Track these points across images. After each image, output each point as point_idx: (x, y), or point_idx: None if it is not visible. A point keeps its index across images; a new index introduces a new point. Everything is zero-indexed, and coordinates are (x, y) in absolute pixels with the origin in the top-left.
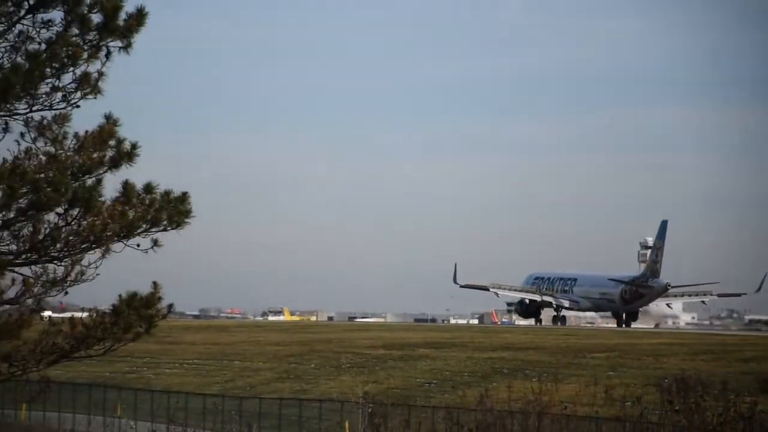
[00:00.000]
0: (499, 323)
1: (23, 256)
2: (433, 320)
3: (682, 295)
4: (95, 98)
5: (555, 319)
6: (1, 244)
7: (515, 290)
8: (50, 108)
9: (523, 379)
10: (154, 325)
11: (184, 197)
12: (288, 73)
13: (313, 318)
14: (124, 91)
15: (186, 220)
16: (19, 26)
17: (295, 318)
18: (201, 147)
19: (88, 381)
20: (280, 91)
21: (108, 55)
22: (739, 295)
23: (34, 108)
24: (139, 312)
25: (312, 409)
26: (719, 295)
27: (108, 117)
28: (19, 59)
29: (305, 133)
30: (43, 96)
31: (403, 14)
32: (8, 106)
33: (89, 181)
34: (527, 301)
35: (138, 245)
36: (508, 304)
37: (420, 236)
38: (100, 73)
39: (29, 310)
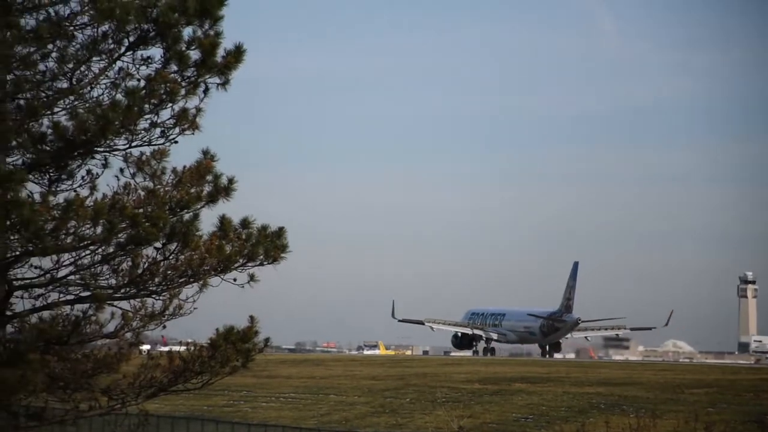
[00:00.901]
0: (596, 358)
1: (122, 291)
2: (529, 354)
3: (599, 329)
4: (193, 134)
5: (485, 350)
6: (101, 278)
7: (449, 324)
8: (149, 144)
9: (620, 414)
10: (251, 359)
11: (280, 232)
12: (386, 102)
13: (408, 352)
14: (219, 125)
15: (282, 254)
16: (119, 63)
17: (390, 352)
18: (290, 181)
19: (186, 414)
20: (374, 121)
21: (206, 91)
22: (650, 329)
23: (133, 144)
24: (236, 346)
25: None
26: (631, 329)
27: (205, 152)
28: (118, 96)
29: (394, 163)
30: (142, 132)
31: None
32: (108, 142)
33: (186, 216)
34: (459, 334)
35: (235, 279)
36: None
37: (523, 274)
38: (198, 109)
39: (128, 343)
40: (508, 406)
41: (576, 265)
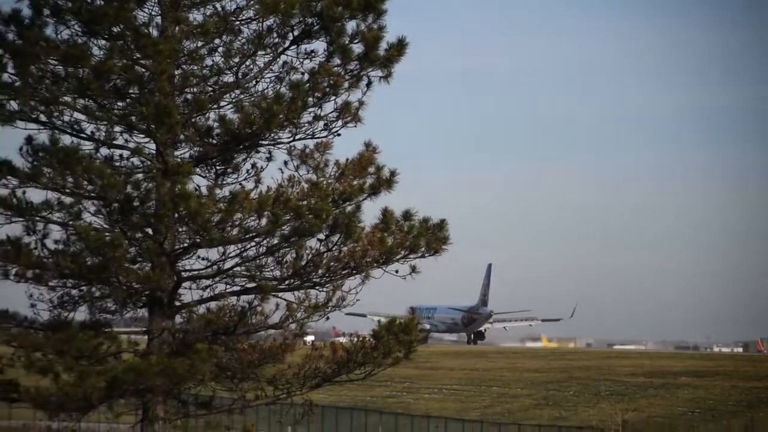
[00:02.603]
0: (765, 351)
1: (286, 282)
2: (696, 348)
3: (512, 320)
4: (355, 126)
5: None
6: (266, 269)
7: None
8: (312, 136)
9: None
10: (413, 350)
11: (442, 224)
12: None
13: (571, 345)
14: (378, 117)
15: (444, 246)
16: (283, 57)
17: (553, 345)
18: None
19: (349, 405)
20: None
21: (369, 84)
22: (557, 320)
23: (296, 137)
24: (398, 337)
25: None
26: (542, 320)
27: (368, 144)
28: (282, 89)
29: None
30: (306, 125)
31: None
32: (272, 135)
33: (349, 208)
34: None
35: (396, 271)
36: None
37: (684, 264)
38: (361, 102)
39: (293, 334)
40: (673, 399)
41: (489, 266)
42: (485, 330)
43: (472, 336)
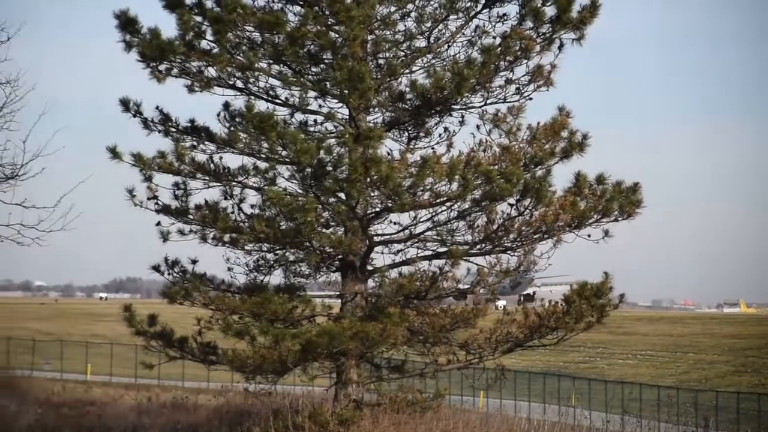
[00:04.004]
0: None
1: (477, 247)
2: None
3: (555, 284)
4: (547, 90)
5: None
6: (457, 234)
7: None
8: (504, 101)
9: None
10: (606, 315)
11: (635, 187)
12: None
13: None
14: (572, 81)
15: (637, 210)
16: (475, 21)
17: (752, 310)
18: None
19: (542, 370)
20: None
21: (561, 47)
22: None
23: (488, 101)
24: (590, 301)
25: None
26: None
27: (561, 109)
28: (474, 53)
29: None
30: (497, 89)
31: None
32: (464, 99)
33: (539, 172)
34: None
35: (589, 235)
36: None
37: None
38: (553, 66)
39: (484, 299)
40: None
41: None
42: (534, 293)
43: (521, 299)
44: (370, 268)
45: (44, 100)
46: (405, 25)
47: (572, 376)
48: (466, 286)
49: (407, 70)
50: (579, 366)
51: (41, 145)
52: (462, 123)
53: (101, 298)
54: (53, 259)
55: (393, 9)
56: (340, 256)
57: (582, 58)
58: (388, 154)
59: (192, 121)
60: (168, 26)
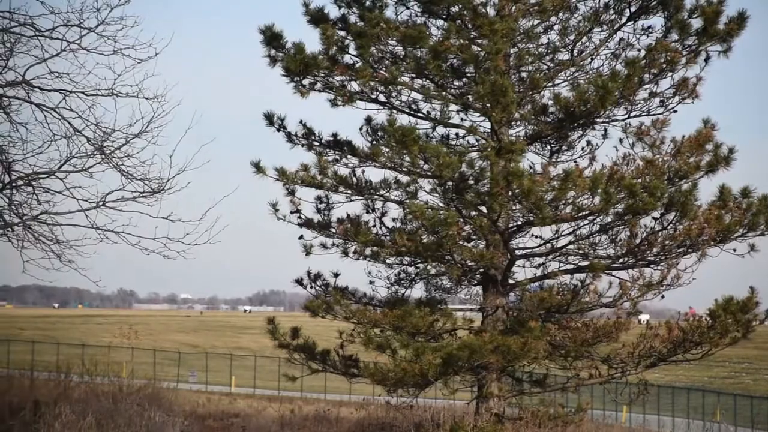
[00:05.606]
0: None
1: (620, 260)
2: None
3: None
4: (692, 102)
5: None
6: (599, 248)
7: None
8: (648, 113)
9: None
10: (752, 330)
11: None
12: None
13: None
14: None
15: None
16: (619, 33)
17: None
18: None
19: (686, 385)
20: None
21: (707, 59)
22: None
23: (632, 114)
24: (735, 316)
25: None
26: None
27: (706, 121)
28: (618, 66)
29: None
30: (641, 102)
31: None
32: (607, 112)
33: (684, 186)
34: None
35: (734, 250)
36: None
37: None
38: (698, 78)
39: (626, 313)
40: None
41: None
42: None
43: None
44: (511, 281)
45: (190, 113)
46: (548, 38)
47: (717, 392)
48: (609, 300)
49: (550, 84)
50: (724, 381)
51: (187, 158)
52: (605, 136)
53: (245, 310)
54: (198, 272)
55: (536, 22)
56: (481, 270)
57: (728, 66)
58: (530, 167)
59: (335, 135)
60: (309, 41)
